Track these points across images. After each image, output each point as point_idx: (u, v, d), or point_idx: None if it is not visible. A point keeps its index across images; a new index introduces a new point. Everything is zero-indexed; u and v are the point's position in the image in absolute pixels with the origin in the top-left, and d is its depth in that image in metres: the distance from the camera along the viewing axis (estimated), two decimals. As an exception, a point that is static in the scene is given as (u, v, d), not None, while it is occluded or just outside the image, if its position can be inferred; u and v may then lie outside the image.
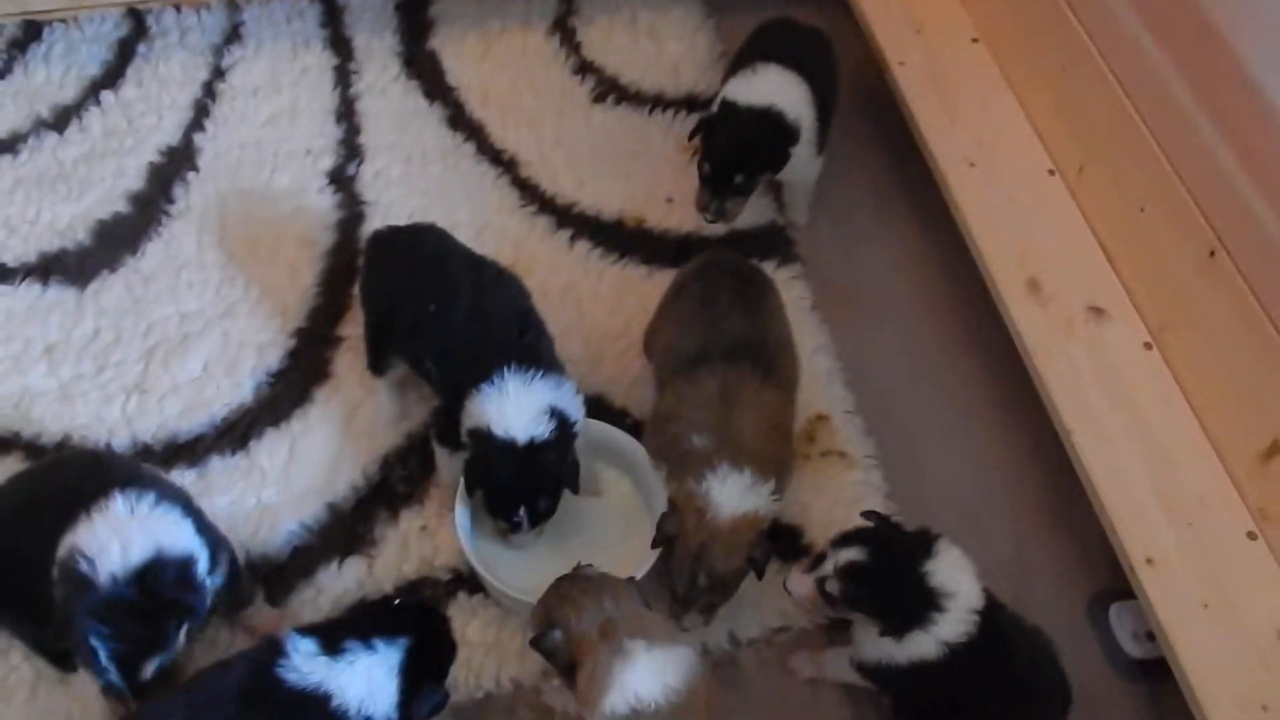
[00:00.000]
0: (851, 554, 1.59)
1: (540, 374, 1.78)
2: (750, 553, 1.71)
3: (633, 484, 1.96)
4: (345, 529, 1.92)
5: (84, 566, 1.46)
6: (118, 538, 1.47)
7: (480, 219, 2.30)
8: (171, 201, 2.29)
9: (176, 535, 1.53)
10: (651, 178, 2.37)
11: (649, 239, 2.28)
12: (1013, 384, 2.03)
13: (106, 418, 2.02)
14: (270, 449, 1.99)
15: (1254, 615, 1.67)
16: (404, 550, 1.90)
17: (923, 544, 1.59)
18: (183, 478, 1.94)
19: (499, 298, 1.90)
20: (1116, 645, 1.83)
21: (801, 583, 1.63)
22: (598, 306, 2.19)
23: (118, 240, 2.24)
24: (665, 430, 1.82)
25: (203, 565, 1.55)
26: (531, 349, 1.82)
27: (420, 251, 1.95)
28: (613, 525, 1.91)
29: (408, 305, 1.88)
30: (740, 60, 2.17)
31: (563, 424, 1.77)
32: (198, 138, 2.39)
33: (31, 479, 1.75)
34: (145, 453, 1.98)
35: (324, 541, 1.91)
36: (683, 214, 2.29)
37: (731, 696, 1.78)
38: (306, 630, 1.52)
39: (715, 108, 2.10)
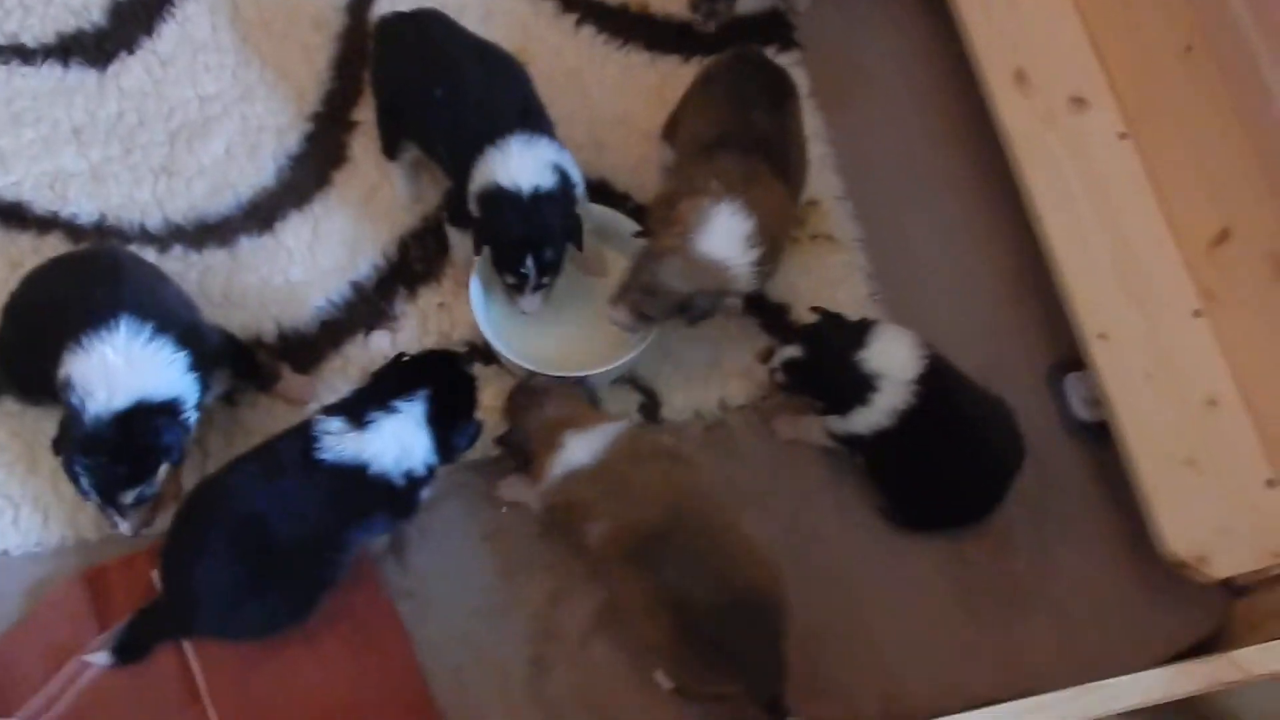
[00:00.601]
0: (792, 350, 1.82)
1: (543, 137, 1.90)
2: (695, 295, 1.81)
3: (634, 264, 2.10)
4: (368, 305, 2.08)
5: (74, 399, 1.61)
6: (105, 380, 1.61)
7: (487, 2, 2.34)
8: (183, -17, 2.33)
9: (162, 379, 1.66)
10: (653, -41, 2.40)
11: (652, 24, 2.34)
12: (996, 169, 2.14)
13: (138, 198, 2.14)
14: (295, 230, 2.13)
15: (1190, 385, 1.88)
16: (423, 324, 2.07)
17: (856, 335, 1.80)
18: (214, 257, 2.10)
19: (502, 81, 1.99)
20: (1069, 409, 2.03)
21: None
22: (602, 92, 2.27)
23: (132, 20, 2.29)
24: (669, 194, 1.90)
25: (190, 403, 1.68)
26: (534, 123, 1.94)
27: (425, 38, 2.03)
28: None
29: (415, 91, 1.98)
30: None
31: (564, 179, 1.89)
32: (204, -85, 2.39)
33: (53, 274, 1.86)
34: (178, 233, 2.11)
35: (349, 316, 2.08)
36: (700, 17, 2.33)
37: (723, 456, 2.00)
38: (332, 409, 1.70)
39: None
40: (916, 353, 1.80)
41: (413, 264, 2.12)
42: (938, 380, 1.80)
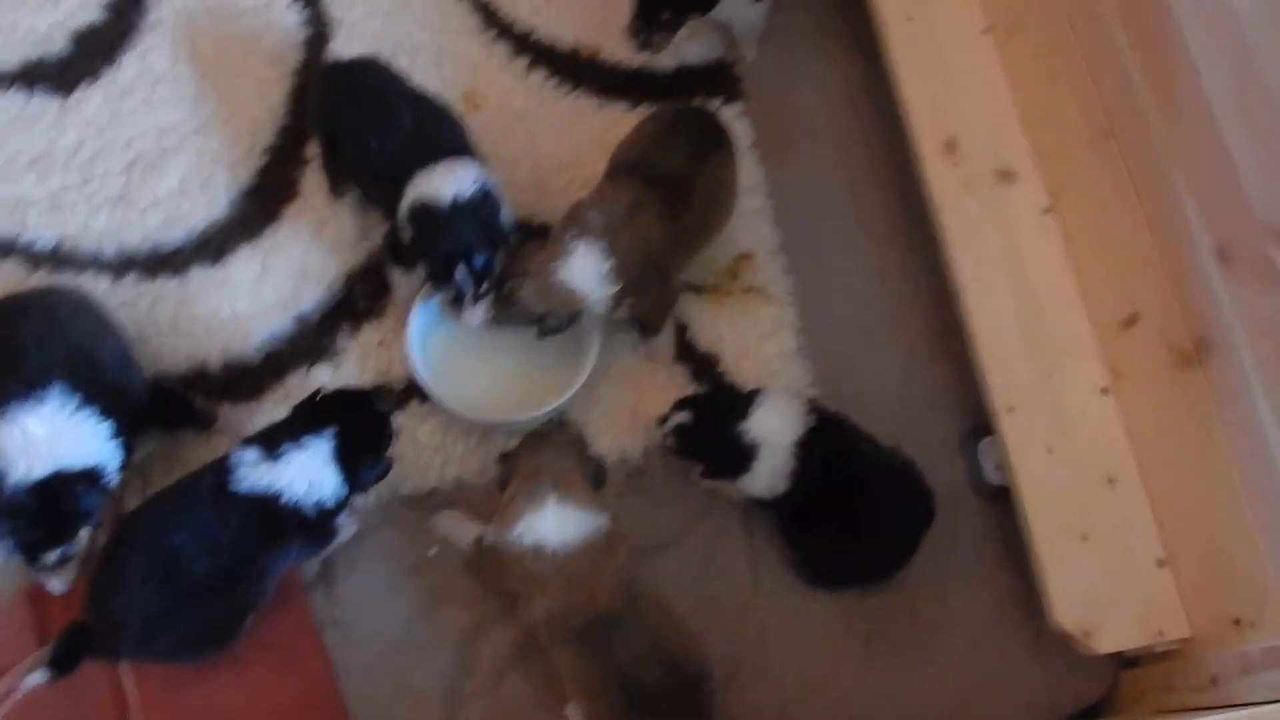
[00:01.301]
0: (681, 416, 1.93)
1: (469, 161, 1.98)
2: (547, 314, 1.93)
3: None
4: (311, 339, 2.15)
5: None
6: (25, 452, 1.68)
7: (439, 43, 2.39)
8: (143, 14, 2.38)
9: (85, 449, 1.73)
10: (607, 6, 2.43)
11: (602, 71, 2.39)
12: (925, 231, 2.20)
13: (94, 227, 2.21)
14: (244, 262, 2.20)
15: (1092, 462, 1.94)
16: (364, 360, 2.14)
17: (741, 405, 1.90)
18: (166, 286, 2.17)
19: (434, 125, 2.07)
20: (981, 473, 2.10)
21: None
22: (548, 136, 2.33)
23: (95, 50, 2.35)
24: (577, 205, 2.00)
25: (112, 468, 1.75)
26: (462, 154, 2.01)
27: (362, 86, 2.10)
28: (548, 350, 2.10)
29: (351, 135, 2.06)
30: None
31: (486, 193, 1.96)
32: (167, -54, 2.45)
33: None
34: (131, 262, 2.18)
35: (293, 349, 2.15)
36: (635, 46, 2.38)
37: (644, 500, 2.07)
38: (251, 440, 1.78)
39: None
40: (799, 418, 1.89)
41: (356, 301, 2.18)
42: (830, 443, 1.88)
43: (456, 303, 1.99)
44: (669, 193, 1.99)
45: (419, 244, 1.97)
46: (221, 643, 1.86)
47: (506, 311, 1.97)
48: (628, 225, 1.95)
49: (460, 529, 1.97)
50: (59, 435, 1.70)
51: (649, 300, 2.02)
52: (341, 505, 1.84)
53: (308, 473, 1.77)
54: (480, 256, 1.95)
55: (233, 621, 1.84)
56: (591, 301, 1.93)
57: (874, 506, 1.94)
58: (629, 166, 2.04)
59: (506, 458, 1.95)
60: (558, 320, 1.94)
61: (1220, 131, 1.63)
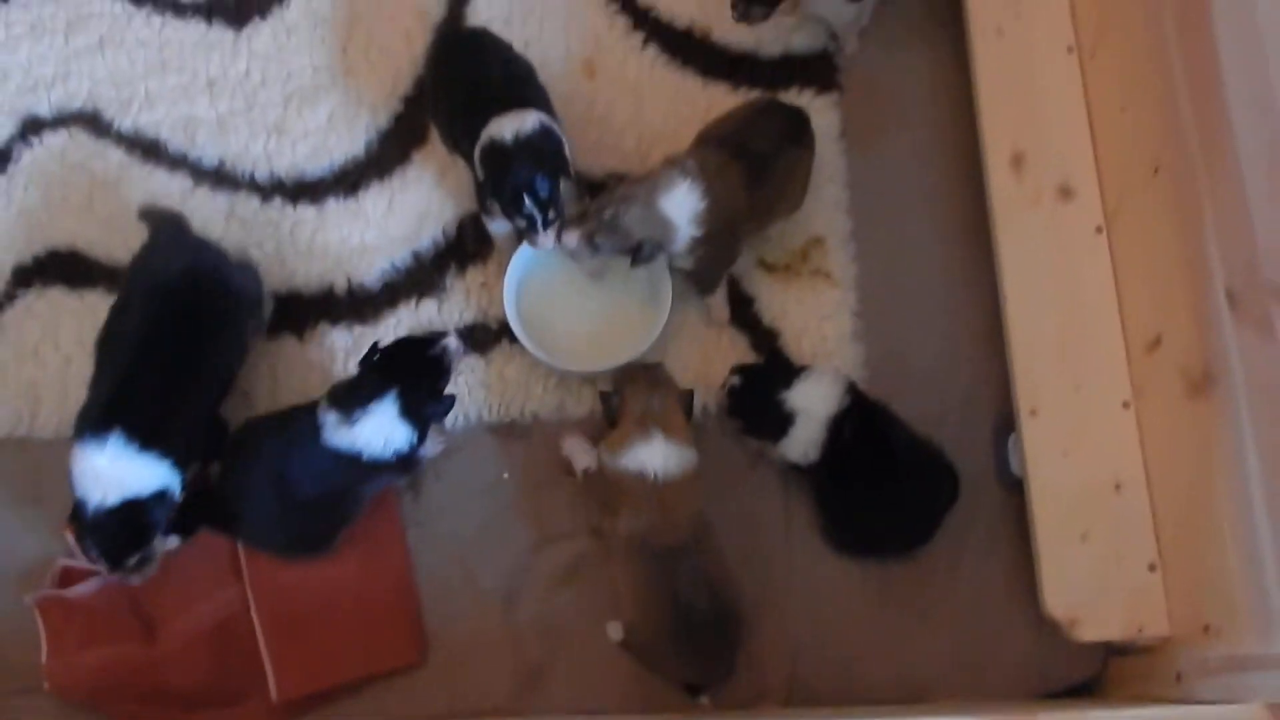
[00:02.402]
0: (735, 380, 2.18)
1: (535, 110, 2.20)
2: (644, 240, 2.14)
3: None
4: (424, 274, 2.44)
5: (78, 493, 2.00)
6: (99, 486, 1.98)
7: (569, 10, 2.59)
8: (314, -43, 2.66)
9: (148, 481, 2.01)
10: (724, -10, 2.63)
11: (711, 51, 2.57)
12: (987, 235, 2.34)
13: (252, 151, 2.52)
14: (374, 198, 2.48)
15: (1103, 468, 2.11)
16: (467, 299, 2.42)
17: (787, 376, 2.14)
18: (306, 212, 2.47)
19: (519, 85, 2.30)
20: (1006, 464, 2.28)
21: None
22: (655, 108, 2.53)
23: (270, -12, 2.65)
24: (671, 157, 2.22)
25: (175, 489, 2.05)
26: (533, 104, 2.23)
27: (464, 47, 2.39)
28: (626, 307, 2.36)
29: (449, 91, 2.34)
30: None
31: (550, 132, 2.19)
32: (341, -102, 2.71)
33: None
34: (279, 187, 2.49)
35: (407, 281, 2.43)
36: (744, 31, 2.53)
37: (699, 454, 2.31)
38: (331, 399, 2.07)
39: None
40: (837, 397, 2.12)
41: (466, 244, 2.45)
42: (861, 423, 2.11)
43: (531, 231, 2.19)
44: (751, 167, 2.21)
45: (490, 183, 2.20)
46: (319, 548, 2.21)
47: (605, 236, 2.16)
48: (716, 181, 2.17)
49: (581, 452, 2.26)
50: (126, 470, 2.00)
51: (715, 255, 2.24)
52: (418, 447, 2.13)
53: (381, 433, 2.05)
54: (544, 183, 2.15)
55: (330, 532, 2.20)
56: (680, 236, 2.14)
57: (900, 485, 2.16)
58: (720, 139, 2.26)
59: (609, 396, 2.19)
60: (651, 248, 2.15)
61: (1245, 186, 1.76)
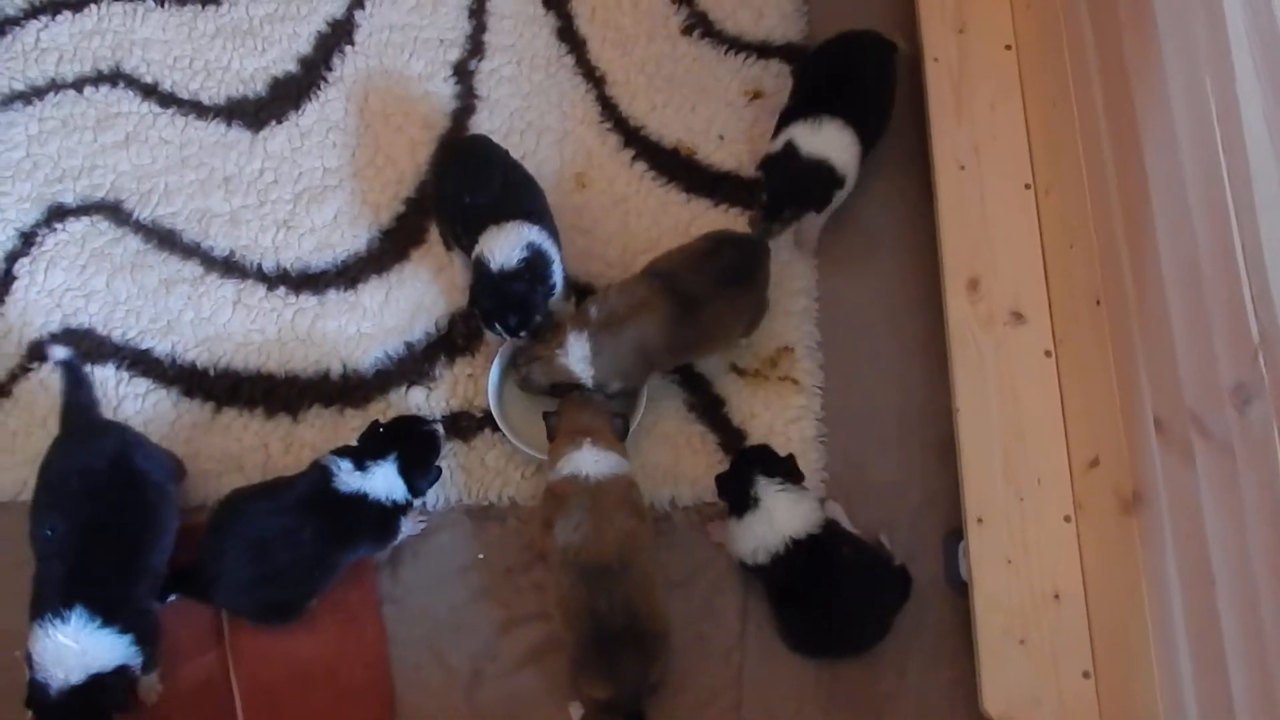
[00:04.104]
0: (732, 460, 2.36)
1: (532, 225, 2.38)
2: (553, 385, 2.38)
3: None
4: (415, 363, 2.59)
5: (39, 676, 2.05)
6: (61, 664, 2.04)
7: (565, 127, 2.81)
8: (330, 69, 2.86)
9: (110, 656, 2.08)
10: (710, 114, 2.82)
11: (694, 170, 2.77)
12: (945, 352, 2.51)
13: (261, 243, 2.70)
14: (372, 291, 2.65)
15: (1043, 578, 2.23)
16: (454, 388, 2.57)
17: (771, 467, 2.29)
18: (307, 302, 2.63)
19: (517, 191, 2.50)
20: (955, 568, 2.40)
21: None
22: (640, 221, 2.72)
23: (286, 96, 2.83)
24: (589, 298, 2.44)
25: (136, 664, 2.14)
26: (530, 217, 2.41)
27: (470, 153, 2.58)
28: None
29: (453, 192, 2.52)
30: (806, 95, 2.63)
31: (538, 258, 2.36)
32: (357, 14, 2.91)
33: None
34: (284, 278, 2.66)
35: (399, 370, 2.58)
36: (726, 153, 2.76)
37: (663, 542, 2.43)
38: (340, 454, 2.27)
39: (779, 146, 2.54)
40: (808, 519, 2.25)
41: (456, 338, 2.60)
42: (815, 558, 2.23)
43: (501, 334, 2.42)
44: (681, 305, 2.36)
45: (471, 294, 2.41)
46: (289, 615, 2.32)
47: (527, 386, 2.44)
48: (628, 320, 2.35)
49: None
50: (88, 646, 2.07)
51: (629, 383, 2.44)
52: (406, 506, 2.30)
53: (386, 482, 2.26)
54: (512, 319, 2.36)
55: (300, 601, 2.31)
56: (584, 379, 2.36)
57: (850, 596, 2.27)
58: (657, 273, 2.42)
59: (550, 415, 2.39)
60: (564, 389, 2.38)
61: (1170, 320, 1.92)
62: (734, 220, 2.71)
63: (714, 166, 2.78)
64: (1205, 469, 1.81)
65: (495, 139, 2.67)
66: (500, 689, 2.36)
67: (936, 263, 2.57)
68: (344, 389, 2.58)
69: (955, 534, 2.42)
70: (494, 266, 2.34)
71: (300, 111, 2.84)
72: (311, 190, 2.76)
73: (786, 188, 2.52)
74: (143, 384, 2.56)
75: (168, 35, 2.89)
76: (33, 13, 2.89)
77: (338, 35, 2.91)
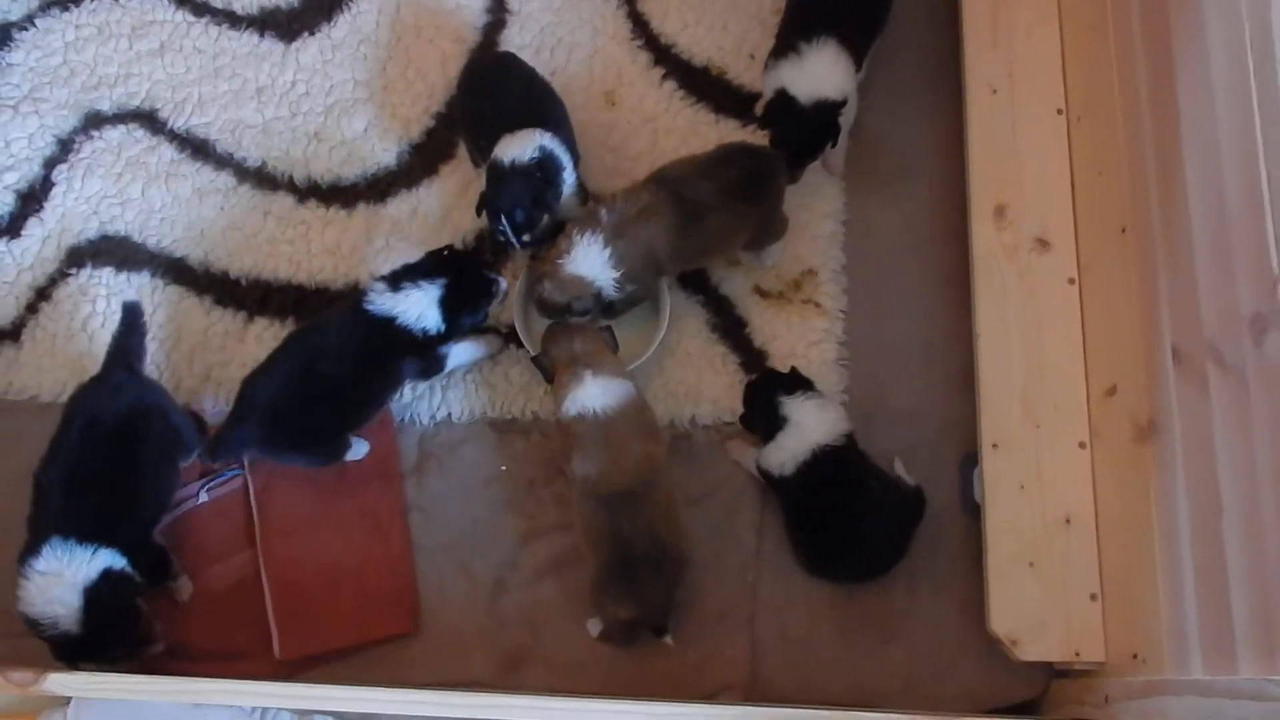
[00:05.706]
0: (752, 378, 2.41)
1: (546, 131, 2.39)
2: (571, 302, 2.33)
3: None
4: (441, 278, 2.63)
5: (43, 620, 2.14)
6: (59, 600, 2.12)
7: (595, 44, 2.80)
8: (362, -19, 2.87)
9: (94, 566, 2.14)
10: (742, 32, 2.79)
11: (724, 90, 2.75)
12: (969, 279, 2.51)
13: (293, 155, 2.73)
14: (400, 205, 2.68)
15: (1055, 503, 2.27)
16: (480, 303, 2.61)
17: (789, 385, 2.31)
18: (336, 215, 2.68)
19: (538, 104, 2.51)
20: (970, 493, 2.43)
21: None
22: (669, 139, 2.71)
23: (319, 7, 2.84)
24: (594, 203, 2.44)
25: (122, 565, 2.19)
26: (546, 124, 2.43)
27: (493, 66, 2.60)
28: (626, 323, 2.50)
29: (475, 112, 2.54)
30: (785, 24, 2.58)
31: (548, 159, 2.37)
32: (392, -74, 2.91)
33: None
34: (314, 190, 2.70)
35: (426, 284, 2.64)
36: (756, 72, 2.73)
37: (682, 459, 2.47)
38: (381, 278, 2.34)
39: (771, 94, 2.49)
40: (832, 427, 2.29)
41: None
42: (840, 463, 2.27)
43: (508, 245, 2.44)
44: (686, 212, 2.35)
45: (483, 197, 2.42)
46: (328, 447, 2.38)
47: (542, 308, 2.40)
48: (634, 223, 2.33)
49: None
50: (78, 575, 2.14)
51: (642, 290, 2.41)
52: (442, 337, 2.36)
53: (419, 306, 2.31)
54: (520, 213, 2.36)
55: (340, 429, 2.37)
56: (600, 285, 2.32)
57: (868, 522, 2.31)
58: (666, 179, 2.39)
59: (540, 358, 2.36)
60: (584, 304, 2.34)
61: (1194, 252, 1.91)
62: (762, 141, 2.68)
63: (744, 87, 2.76)
64: (1219, 399, 1.82)
65: (525, 55, 2.68)
66: (521, 598, 2.44)
67: (964, 188, 2.55)
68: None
69: (971, 459, 2.45)
70: (505, 162, 2.36)
71: (332, 23, 2.84)
72: (342, 103, 2.77)
73: (794, 140, 2.48)
74: (176, 291, 2.62)
75: (201, -57, 2.89)
76: (68, -81, 2.89)
77: (372, -55, 2.90)
